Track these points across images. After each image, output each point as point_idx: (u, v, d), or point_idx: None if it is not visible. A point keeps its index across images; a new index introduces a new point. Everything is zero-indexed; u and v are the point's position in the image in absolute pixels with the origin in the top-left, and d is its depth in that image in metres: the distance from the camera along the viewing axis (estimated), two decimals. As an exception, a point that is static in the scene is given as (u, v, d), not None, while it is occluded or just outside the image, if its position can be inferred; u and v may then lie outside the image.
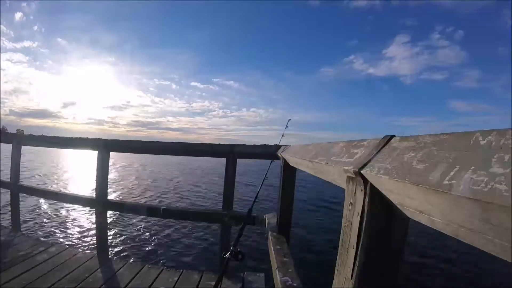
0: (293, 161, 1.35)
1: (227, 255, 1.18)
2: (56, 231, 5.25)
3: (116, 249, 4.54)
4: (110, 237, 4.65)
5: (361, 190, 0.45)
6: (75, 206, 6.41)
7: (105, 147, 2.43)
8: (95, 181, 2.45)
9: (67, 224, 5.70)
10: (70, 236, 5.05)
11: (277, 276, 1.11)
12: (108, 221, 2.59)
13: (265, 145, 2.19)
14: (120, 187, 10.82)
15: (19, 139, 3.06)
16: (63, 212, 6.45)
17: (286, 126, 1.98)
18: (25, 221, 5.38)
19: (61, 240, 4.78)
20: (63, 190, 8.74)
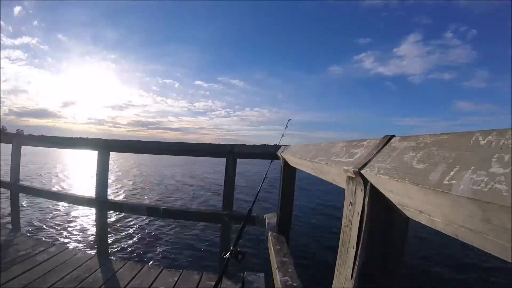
0: (293, 161, 1.35)
1: (227, 255, 1.18)
2: (56, 231, 5.25)
3: (116, 249, 4.54)
4: (110, 237, 4.65)
5: (361, 190, 0.44)
6: (75, 206, 6.41)
7: (105, 147, 2.43)
8: (95, 181, 2.46)
9: (67, 224, 5.70)
10: (70, 236, 5.05)
11: (277, 276, 1.12)
12: (108, 221, 2.59)
13: (265, 145, 2.19)
14: (120, 187, 10.82)
15: (19, 139, 3.06)
16: (63, 212, 6.45)
17: (286, 126, 1.98)
18: (25, 221, 5.39)
19: (61, 240, 4.79)
20: (63, 190, 8.75)
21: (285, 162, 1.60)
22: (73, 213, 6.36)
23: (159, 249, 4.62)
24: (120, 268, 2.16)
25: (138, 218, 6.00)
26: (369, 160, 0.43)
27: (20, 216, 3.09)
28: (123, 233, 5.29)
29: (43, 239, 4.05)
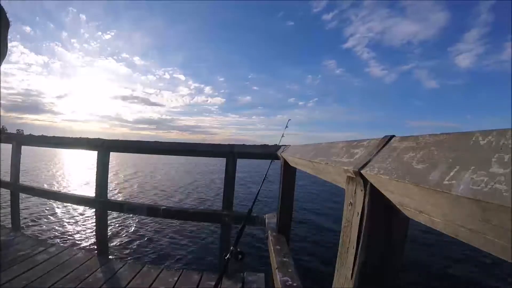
0: (293, 161, 1.35)
1: (227, 255, 1.18)
2: (56, 231, 5.25)
3: (116, 249, 4.54)
4: (110, 237, 4.65)
5: (361, 190, 0.44)
6: (75, 206, 6.41)
7: (104, 147, 2.43)
8: (95, 181, 2.46)
9: (67, 224, 5.70)
10: (70, 236, 5.05)
11: (277, 276, 1.12)
12: (108, 221, 2.59)
13: (265, 145, 2.19)
14: (120, 187, 10.82)
15: (19, 139, 3.06)
16: (63, 212, 6.45)
17: (286, 126, 1.98)
18: (25, 221, 5.39)
19: (61, 240, 4.79)
20: (64, 190, 8.75)
21: (285, 162, 1.60)
22: (73, 213, 6.37)
23: (159, 249, 4.62)
24: (120, 268, 2.16)
25: (138, 218, 6.00)
26: (369, 160, 0.43)
27: (20, 216, 3.09)
28: (123, 233, 5.29)
29: (43, 239, 4.06)
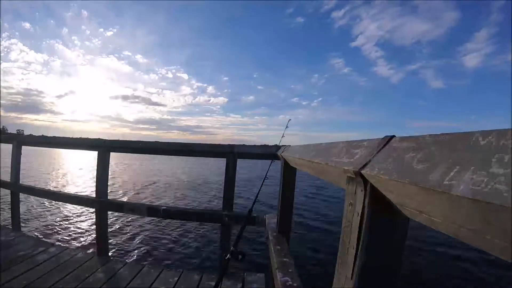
0: (293, 162, 1.35)
1: (228, 255, 1.18)
2: (56, 231, 5.25)
3: (116, 249, 4.54)
4: (110, 237, 4.65)
5: (361, 191, 0.44)
6: (76, 206, 6.41)
7: (104, 147, 2.43)
8: (95, 181, 2.46)
9: (67, 224, 5.70)
10: (70, 236, 5.05)
11: (277, 276, 1.11)
12: (108, 221, 2.59)
13: (265, 145, 2.19)
14: (121, 187, 10.82)
15: (19, 140, 3.07)
16: (63, 212, 6.45)
17: (286, 126, 1.98)
18: (25, 221, 5.39)
19: (61, 240, 4.79)
20: (63, 190, 8.75)
21: (285, 163, 1.60)
22: (73, 213, 6.37)
23: (159, 250, 4.62)
24: (120, 268, 2.16)
25: (138, 218, 6.00)
26: (369, 161, 0.43)
27: (20, 216, 3.09)
28: (124, 233, 5.29)
29: (43, 239, 4.06)
